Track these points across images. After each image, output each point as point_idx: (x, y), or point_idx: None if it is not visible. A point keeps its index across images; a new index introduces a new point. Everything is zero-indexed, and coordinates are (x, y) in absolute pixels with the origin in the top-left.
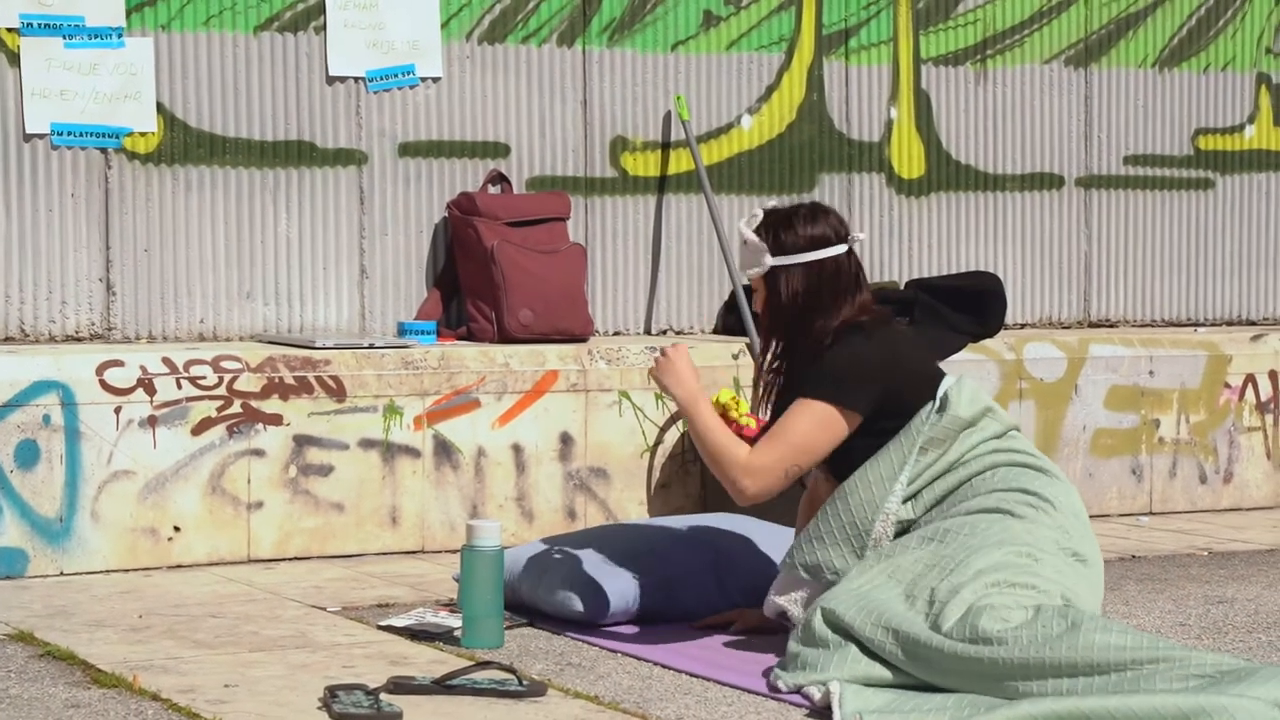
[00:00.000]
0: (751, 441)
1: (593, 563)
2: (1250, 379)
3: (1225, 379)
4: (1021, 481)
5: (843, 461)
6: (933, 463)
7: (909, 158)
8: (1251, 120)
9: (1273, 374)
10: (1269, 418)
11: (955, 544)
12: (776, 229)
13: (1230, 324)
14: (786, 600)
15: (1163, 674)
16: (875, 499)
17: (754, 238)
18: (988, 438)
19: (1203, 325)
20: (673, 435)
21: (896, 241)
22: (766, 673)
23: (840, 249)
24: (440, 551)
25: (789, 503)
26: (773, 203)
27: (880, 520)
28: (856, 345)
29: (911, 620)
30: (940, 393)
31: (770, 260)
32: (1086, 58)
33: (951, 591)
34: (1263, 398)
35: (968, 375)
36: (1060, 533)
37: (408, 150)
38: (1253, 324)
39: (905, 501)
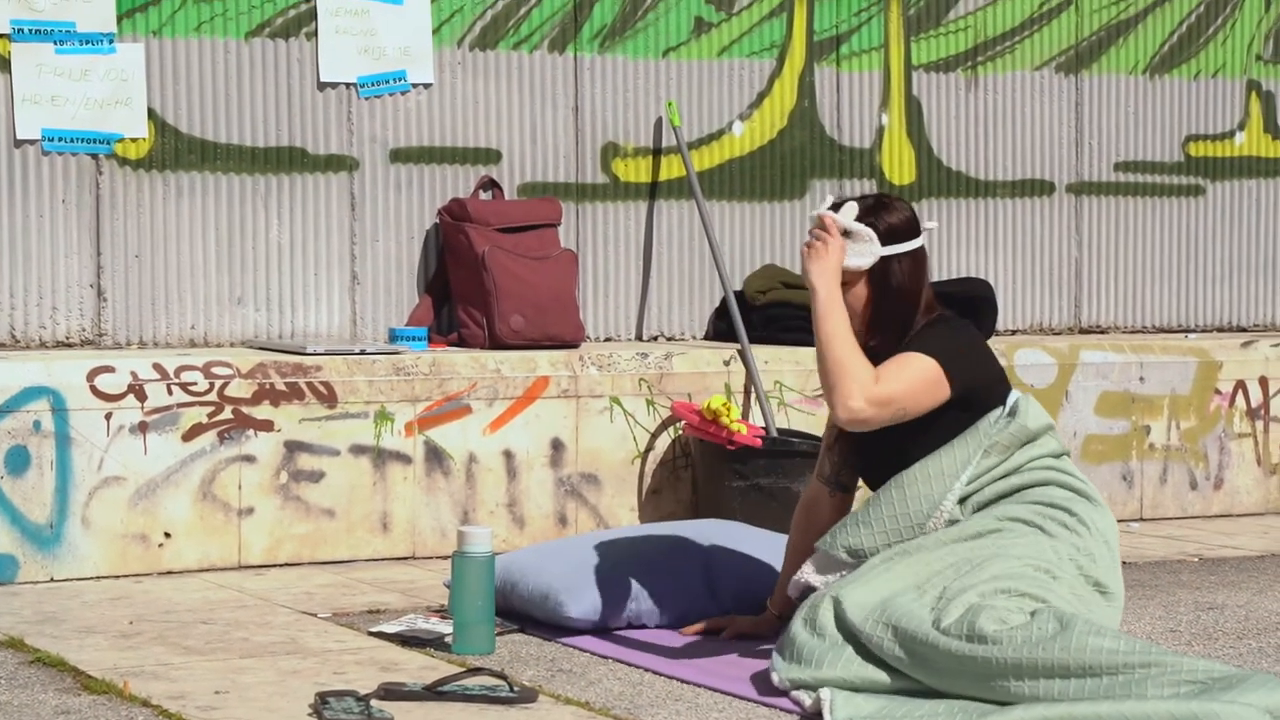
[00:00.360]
0: (738, 446)
1: (584, 569)
2: (1240, 385)
3: (1216, 385)
4: (1065, 503)
5: (904, 448)
6: (993, 467)
7: (900, 164)
8: (1242, 127)
9: (1263, 380)
10: (1259, 424)
11: (978, 547)
12: (884, 216)
13: (1221, 330)
14: (822, 581)
15: (1154, 679)
16: (934, 494)
17: (862, 227)
18: (1045, 454)
19: (1193, 331)
20: (664, 441)
21: None
22: (756, 679)
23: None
24: (431, 557)
25: (784, 509)
26: (832, 198)
27: (935, 517)
28: (956, 329)
29: (914, 615)
30: (1010, 402)
31: (880, 249)
32: (1077, 64)
33: (960, 590)
34: (1253, 404)
35: None
36: (1086, 558)
37: (399, 156)
38: (1243, 330)
39: (960, 501)
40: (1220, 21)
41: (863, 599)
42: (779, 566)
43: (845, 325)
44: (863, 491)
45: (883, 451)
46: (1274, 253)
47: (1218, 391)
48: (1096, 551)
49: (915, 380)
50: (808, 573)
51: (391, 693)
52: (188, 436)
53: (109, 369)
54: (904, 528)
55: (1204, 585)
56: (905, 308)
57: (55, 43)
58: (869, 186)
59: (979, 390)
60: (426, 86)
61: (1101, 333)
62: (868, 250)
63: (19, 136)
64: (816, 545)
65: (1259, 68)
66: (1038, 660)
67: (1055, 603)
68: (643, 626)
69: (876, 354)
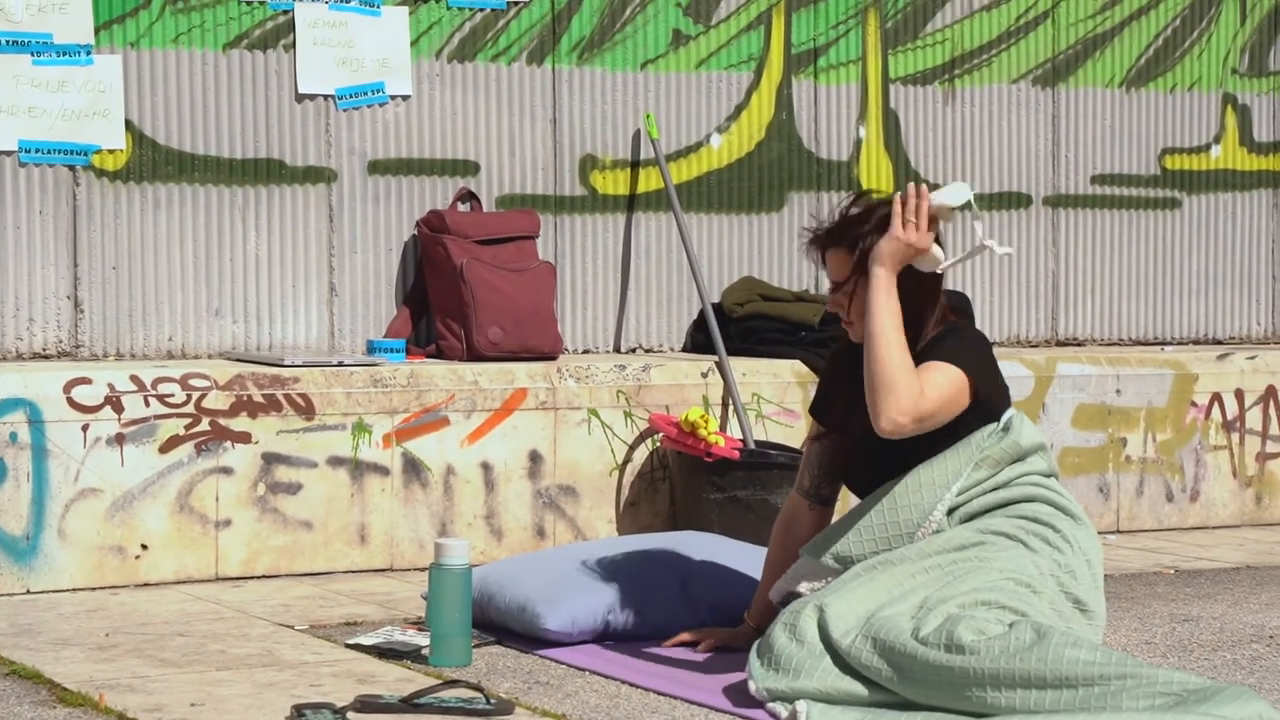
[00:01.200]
0: (716, 458)
1: (561, 581)
2: (1216, 398)
3: (1192, 398)
4: (1049, 519)
5: (924, 452)
6: (982, 480)
7: (877, 176)
8: (1218, 140)
9: (1239, 393)
10: (1235, 436)
11: (960, 559)
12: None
13: (1197, 343)
14: (808, 587)
15: (1129, 691)
16: (925, 504)
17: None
18: (1033, 472)
19: (1169, 344)
20: (641, 453)
21: None
22: (732, 691)
23: None
24: (409, 569)
25: (762, 521)
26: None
27: (924, 527)
28: (974, 337)
29: (894, 626)
30: (1004, 418)
31: (939, 267)
32: (1054, 78)
33: (940, 601)
34: (1229, 416)
35: None
36: (1067, 574)
37: (377, 168)
38: (1219, 343)
39: (948, 512)
40: (1196, 35)
41: (845, 610)
42: (757, 578)
43: (896, 323)
44: (844, 500)
45: (893, 457)
46: (1249, 266)
47: (1194, 404)
48: (1078, 569)
49: (948, 393)
50: (792, 579)
51: (368, 705)
52: (165, 448)
53: (86, 381)
54: (893, 536)
55: (1180, 597)
56: (923, 312)
57: (32, 54)
58: (846, 199)
59: (993, 398)
60: (405, 98)
61: (1078, 345)
62: (933, 263)
63: None
64: (802, 552)
65: (1234, 81)
66: (1014, 671)
67: (1034, 616)
68: (620, 638)
69: None
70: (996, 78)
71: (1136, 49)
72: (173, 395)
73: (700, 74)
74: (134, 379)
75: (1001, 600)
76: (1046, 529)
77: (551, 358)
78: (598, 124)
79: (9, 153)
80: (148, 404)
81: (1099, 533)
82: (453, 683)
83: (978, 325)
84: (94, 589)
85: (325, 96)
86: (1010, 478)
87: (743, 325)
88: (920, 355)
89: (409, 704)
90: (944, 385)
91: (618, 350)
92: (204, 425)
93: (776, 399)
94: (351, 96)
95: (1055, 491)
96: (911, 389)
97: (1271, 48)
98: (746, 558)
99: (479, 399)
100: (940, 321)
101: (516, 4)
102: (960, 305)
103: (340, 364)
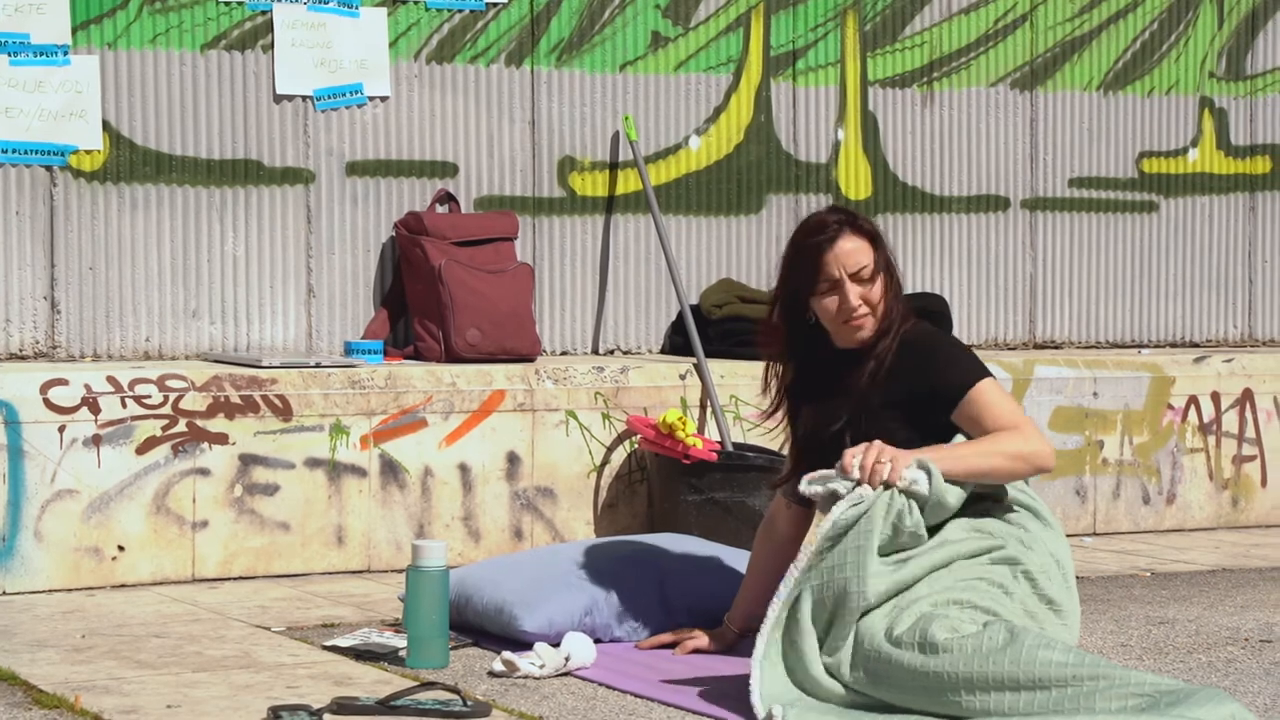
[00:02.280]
0: (694, 460)
1: (539, 583)
2: (1193, 400)
3: (1168, 400)
4: (1015, 519)
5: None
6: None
7: (856, 179)
8: (1195, 144)
9: (1215, 395)
10: (1211, 439)
11: (932, 558)
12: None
13: (1174, 346)
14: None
15: (1103, 693)
16: None
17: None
18: None
19: (1146, 347)
20: (619, 455)
21: None
22: (708, 694)
23: None
24: (386, 571)
25: (740, 523)
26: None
27: None
28: (947, 336)
29: (868, 627)
30: None
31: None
32: (1032, 81)
33: (913, 600)
34: (1205, 419)
35: None
36: (1040, 574)
37: (355, 169)
38: (1196, 346)
39: None
40: (1174, 39)
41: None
42: (735, 581)
43: (960, 449)
44: None
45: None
46: (1226, 269)
47: (1170, 407)
48: (1047, 567)
49: (1010, 401)
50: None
51: (345, 707)
52: (142, 449)
53: (62, 381)
54: None
55: (1155, 599)
56: (899, 301)
57: (9, 54)
58: (825, 201)
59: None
60: (383, 99)
61: (1056, 348)
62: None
63: None
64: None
65: (1212, 84)
66: (988, 673)
67: (1006, 616)
68: (597, 640)
69: (866, 347)
70: (975, 80)
71: (1114, 52)
72: (150, 396)
73: (679, 76)
74: (111, 380)
75: (974, 600)
76: (1012, 528)
77: (529, 359)
78: (576, 126)
79: None
80: (124, 405)
81: (1076, 535)
82: (429, 685)
83: (956, 327)
84: (70, 590)
85: (303, 97)
86: None
87: (721, 327)
88: (904, 338)
89: (386, 706)
90: (1004, 398)
91: (596, 352)
92: (181, 426)
93: (754, 401)
94: (330, 97)
95: (1019, 491)
96: (1022, 446)
97: (1249, 51)
98: (724, 560)
99: (457, 401)
100: (906, 317)
101: (495, 5)
102: (937, 307)
103: (318, 365)
